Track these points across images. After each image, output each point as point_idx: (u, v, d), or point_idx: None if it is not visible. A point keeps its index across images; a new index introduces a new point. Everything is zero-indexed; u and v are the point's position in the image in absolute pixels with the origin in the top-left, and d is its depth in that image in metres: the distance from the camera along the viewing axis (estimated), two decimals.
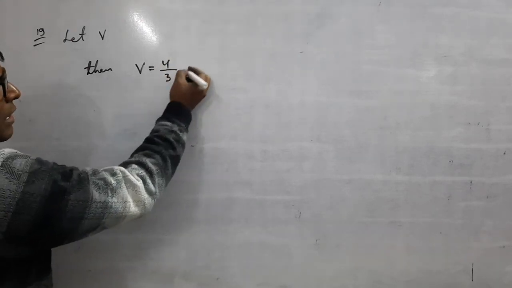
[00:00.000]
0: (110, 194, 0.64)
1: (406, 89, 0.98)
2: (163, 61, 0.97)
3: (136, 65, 0.97)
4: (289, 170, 0.99)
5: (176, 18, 0.97)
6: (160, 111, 0.95)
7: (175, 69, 0.97)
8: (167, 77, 0.97)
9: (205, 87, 0.91)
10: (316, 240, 1.01)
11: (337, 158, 0.99)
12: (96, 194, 0.62)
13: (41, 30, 0.96)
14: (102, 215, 0.63)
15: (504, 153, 0.99)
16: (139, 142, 0.90)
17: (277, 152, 0.99)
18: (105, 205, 0.63)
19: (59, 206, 0.57)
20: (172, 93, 0.92)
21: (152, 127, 0.87)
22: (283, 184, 1.00)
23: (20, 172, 0.55)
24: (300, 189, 1.00)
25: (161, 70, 0.98)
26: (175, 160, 0.83)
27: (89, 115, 0.98)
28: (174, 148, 0.82)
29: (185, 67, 0.96)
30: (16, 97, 0.66)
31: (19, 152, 0.58)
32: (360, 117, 0.99)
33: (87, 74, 0.97)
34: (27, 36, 0.95)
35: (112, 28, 0.97)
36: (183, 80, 0.91)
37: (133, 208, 0.68)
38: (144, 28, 0.97)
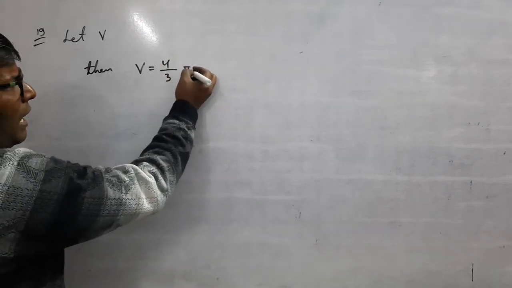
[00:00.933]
0: (124, 191, 0.65)
1: (406, 89, 0.98)
2: (163, 61, 0.97)
3: (136, 65, 0.97)
4: (289, 170, 0.99)
5: (176, 18, 0.97)
6: (160, 111, 0.95)
7: (175, 69, 0.97)
8: (167, 77, 0.98)
9: (209, 84, 0.91)
10: (316, 240, 1.01)
11: (337, 158, 0.99)
12: (110, 191, 0.63)
13: (41, 30, 0.96)
14: (116, 212, 0.63)
15: (504, 153, 0.99)
16: (139, 142, 0.90)
17: (277, 152, 0.99)
18: (120, 202, 0.64)
19: (75, 203, 0.58)
20: (178, 91, 0.93)
21: (152, 127, 0.87)
22: (283, 184, 1.00)
23: (37, 171, 0.55)
24: (300, 189, 1.00)
25: (161, 70, 0.98)
26: (185, 157, 0.84)
27: (89, 115, 0.98)
28: (183, 145, 0.82)
29: (185, 67, 0.96)
30: (32, 97, 0.66)
31: (33, 151, 0.59)
32: (360, 117, 0.99)
33: (87, 74, 0.97)
34: (27, 36, 0.95)
35: (112, 28, 0.97)
36: (188, 79, 0.91)
37: (146, 205, 0.69)
38: (144, 28, 0.97)
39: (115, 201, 0.63)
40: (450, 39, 0.98)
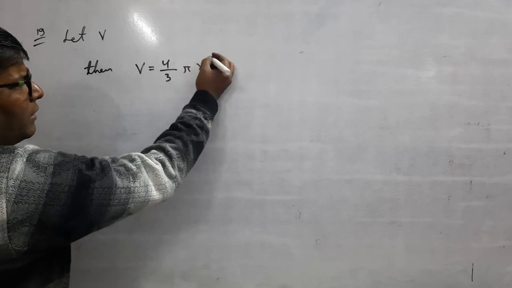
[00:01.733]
0: (131, 180, 0.66)
1: (406, 89, 0.98)
2: (163, 61, 0.97)
3: (136, 65, 0.97)
4: (289, 170, 0.99)
5: (176, 18, 0.97)
6: (160, 111, 0.95)
7: (175, 69, 0.97)
8: (167, 77, 0.97)
9: (228, 74, 0.91)
10: (316, 240, 1.01)
11: (337, 158, 0.99)
12: (118, 181, 0.64)
13: (41, 30, 0.96)
14: (126, 201, 0.64)
15: (504, 153, 0.99)
16: (139, 142, 0.90)
17: (277, 152, 0.99)
18: (128, 191, 0.65)
19: (86, 194, 0.59)
20: (198, 81, 0.93)
21: (152, 127, 0.87)
22: (283, 184, 1.00)
23: (46, 165, 0.56)
24: (300, 189, 1.00)
25: (161, 70, 0.97)
26: (198, 146, 0.83)
27: (89, 115, 0.98)
28: (196, 134, 0.82)
29: (185, 66, 0.97)
30: (40, 97, 0.67)
31: (41, 148, 0.60)
32: (360, 117, 0.99)
33: (87, 74, 0.97)
34: (27, 36, 0.95)
35: (112, 28, 0.97)
36: (208, 68, 0.92)
37: (154, 192, 0.70)
38: (144, 28, 0.97)
39: (124, 189, 0.64)
40: (450, 39, 0.98)
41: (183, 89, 0.96)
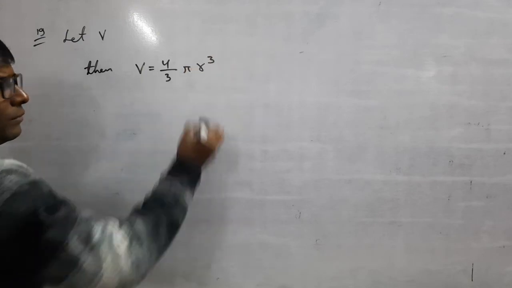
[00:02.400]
0: (87, 251, 0.55)
1: (406, 89, 0.98)
2: (163, 61, 0.97)
3: (136, 65, 0.97)
4: (289, 170, 0.99)
5: (176, 18, 0.97)
6: (160, 111, 0.95)
7: (175, 69, 0.97)
8: (167, 77, 0.97)
9: (203, 141, 0.80)
10: (316, 240, 1.01)
11: (337, 158, 0.99)
12: (72, 245, 0.54)
13: (41, 30, 0.96)
14: (68, 270, 0.54)
15: (504, 153, 0.99)
16: (139, 142, 0.90)
17: (277, 152, 0.99)
18: (76, 261, 0.54)
19: (29, 238, 0.53)
20: (179, 149, 0.82)
21: (152, 127, 0.86)
22: (283, 184, 1.00)
23: (5, 190, 0.52)
24: (300, 189, 1.00)
25: (161, 70, 0.97)
26: (171, 226, 0.72)
27: (89, 115, 0.98)
28: (171, 214, 0.72)
29: (185, 66, 0.97)
30: (23, 102, 0.65)
31: (22, 168, 0.56)
32: (360, 117, 0.99)
33: (87, 74, 0.97)
34: (27, 36, 0.95)
35: (112, 28, 0.97)
36: (189, 136, 0.81)
37: (107, 274, 0.57)
38: (144, 28, 0.97)
39: (72, 257, 0.54)
40: (450, 39, 0.98)
41: (183, 89, 0.96)
